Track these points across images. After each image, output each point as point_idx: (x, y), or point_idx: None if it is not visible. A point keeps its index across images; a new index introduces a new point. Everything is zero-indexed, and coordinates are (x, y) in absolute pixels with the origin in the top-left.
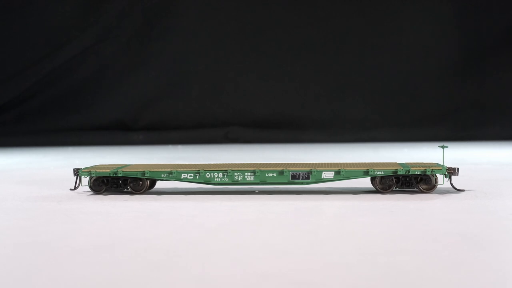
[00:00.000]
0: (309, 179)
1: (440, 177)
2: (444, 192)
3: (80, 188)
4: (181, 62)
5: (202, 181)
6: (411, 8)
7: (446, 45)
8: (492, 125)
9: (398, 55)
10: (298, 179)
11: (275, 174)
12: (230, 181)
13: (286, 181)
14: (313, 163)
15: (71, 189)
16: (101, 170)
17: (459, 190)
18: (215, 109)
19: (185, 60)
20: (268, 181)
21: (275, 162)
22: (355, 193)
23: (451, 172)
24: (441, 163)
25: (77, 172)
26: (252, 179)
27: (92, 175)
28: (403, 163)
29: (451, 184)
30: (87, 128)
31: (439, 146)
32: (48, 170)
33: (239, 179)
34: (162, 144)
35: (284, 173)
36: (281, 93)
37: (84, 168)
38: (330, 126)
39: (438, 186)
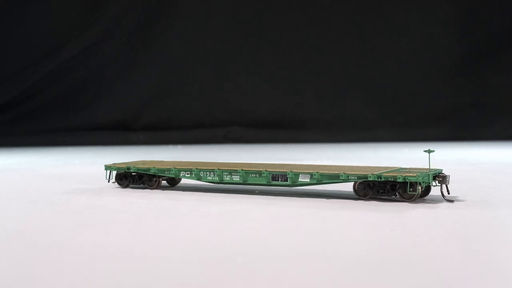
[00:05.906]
0: (287, 181)
1: (420, 184)
2: (427, 201)
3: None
4: (181, 62)
5: (196, 179)
6: (411, 8)
7: (446, 45)
8: (492, 125)
9: (398, 55)
10: (278, 180)
11: (256, 175)
12: (219, 180)
13: (266, 183)
14: (295, 165)
15: (107, 182)
16: (118, 166)
17: (448, 201)
18: (216, 109)
19: (185, 60)
20: (249, 182)
21: (274, 162)
22: (330, 198)
23: (440, 180)
24: (440, 169)
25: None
26: (238, 179)
27: (113, 170)
28: (397, 168)
29: (441, 193)
30: (87, 128)
31: (425, 151)
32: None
33: (226, 178)
34: (162, 144)
35: (263, 174)
36: (281, 93)
37: (108, 164)
38: (330, 126)
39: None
